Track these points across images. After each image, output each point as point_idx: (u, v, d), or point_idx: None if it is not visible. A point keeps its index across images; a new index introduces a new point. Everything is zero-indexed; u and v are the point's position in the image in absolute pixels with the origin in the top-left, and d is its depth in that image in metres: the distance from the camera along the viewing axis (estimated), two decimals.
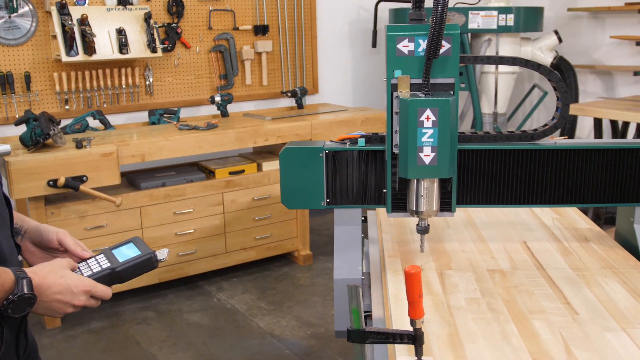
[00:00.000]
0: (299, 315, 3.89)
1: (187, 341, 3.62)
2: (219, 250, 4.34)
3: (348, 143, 1.98)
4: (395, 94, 1.76)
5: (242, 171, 4.35)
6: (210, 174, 4.31)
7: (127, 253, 1.47)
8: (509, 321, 1.58)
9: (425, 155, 1.70)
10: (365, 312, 1.89)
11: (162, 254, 1.48)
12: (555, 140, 2.00)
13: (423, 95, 1.70)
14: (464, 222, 2.33)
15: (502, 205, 2.01)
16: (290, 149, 1.98)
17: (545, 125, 1.97)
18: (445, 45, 1.73)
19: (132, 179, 4.15)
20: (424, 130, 1.68)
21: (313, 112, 4.86)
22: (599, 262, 1.96)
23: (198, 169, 4.45)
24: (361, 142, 1.96)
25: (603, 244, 2.10)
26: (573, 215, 2.40)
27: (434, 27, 1.64)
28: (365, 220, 2.53)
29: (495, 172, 1.97)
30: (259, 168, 4.43)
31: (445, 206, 1.89)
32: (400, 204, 1.91)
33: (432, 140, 1.68)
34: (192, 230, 4.19)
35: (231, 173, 4.31)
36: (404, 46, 1.74)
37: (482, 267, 1.93)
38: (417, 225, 1.87)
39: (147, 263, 1.46)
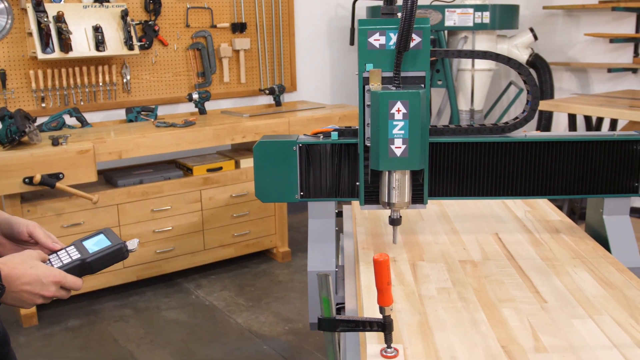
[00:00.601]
0: (277, 312, 3.91)
1: (165, 338, 3.62)
2: (197, 248, 4.34)
3: (321, 137, 2.00)
4: (367, 87, 1.78)
5: (220, 168, 4.35)
6: (187, 171, 4.31)
7: (98, 244, 1.47)
8: (479, 309, 1.61)
9: (396, 147, 1.71)
10: (339, 304, 1.92)
11: (132, 244, 1.48)
12: (526, 133, 2.03)
13: (394, 88, 1.73)
14: (437, 216, 2.36)
15: (474, 197, 2.04)
16: (263, 142, 2.00)
17: (516, 118, 2.00)
18: (416, 39, 1.75)
19: (110, 177, 4.14)
20: (394, 123, 1.69)
21: (291, 110, 4.87)
22: (569, 252, 1.99)
23: (176, 166, 4.45)
24: (334, 135, 1.98)
25: (573, 235, 2.14)
26: (545, 208, 2.43)
27: (404, 21, 1.66)
28: (340, 215, 2.55)
29: (467, 165, 2.00)
30: (237, 165, 4.43)
31: (418, 198, 1.92)
32: (373, 196, 1.93)
33: (403, 132, 1.70)
34: (170, 228, 4.19)
35: (209, 170, 4.31)
36: (375, 40, 1.76)
37: (454, 258, 1.95)
38: (390, 217, 1.89)
39: (118, 253, 1.46)
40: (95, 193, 3.82)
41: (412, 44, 1.74)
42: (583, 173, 2.01)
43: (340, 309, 1.90)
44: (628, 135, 2.01)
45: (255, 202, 4.48)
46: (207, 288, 4.26)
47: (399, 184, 1.79)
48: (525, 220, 2.28)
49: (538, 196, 2.04)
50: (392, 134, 1.70)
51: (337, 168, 2.00)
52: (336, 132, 1.98)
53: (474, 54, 1.94)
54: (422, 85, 1.79)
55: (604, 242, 2.07)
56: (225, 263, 4.59)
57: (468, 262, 1.92)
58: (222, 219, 4.38)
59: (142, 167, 4.39)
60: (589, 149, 2.00)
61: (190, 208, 4.24)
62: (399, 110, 1.68)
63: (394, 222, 1.89)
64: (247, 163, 4.42)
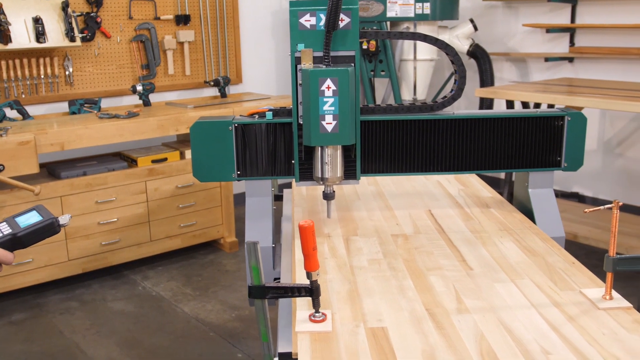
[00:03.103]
0: (224, 300, 3.93)
1: (111, 329, 3.62)
2: (144, 239, 4.33)
3: (257, 117, 2.04)
4: (298, 66, 1.84)
5: (165, 159, 4.35)
6: (132, 162, 4.30)
7: (29, 220, 1.49)
8: (407, 277, 1.67)
9: (327, 124, 1.78)
10: (275, 278, 1.97)
11: (64, 219, 1.50)
12: (454, 111, 2.10)
13: (324, 67, 1.78)
14: (373, 194, 2.42)
15: (407, 174, 2.11)
16: (200, 123, 2.04)
17: (445, 97, 2.07)
18: (345, 19, 1.82)
19: (53, 169, 4.11)
20: (325, 99, 1.76)
21: (236, 100, 4.90)
22: (497, 225, 2.07)
23: (120, 158, 4.43)
24: (269, 115, 2.03)
25: (502, 209, 2.22)
26: (477, 186, 2.51)
27: (331, 0, 1.73)
28: (280, 198, 2.61)
29: (399, 142, 2.07)
30: (182, 156, 4.44)
31: (350, 174, 1.98)
32: (307, 172, 1.99)
33: (333, 108, 1.76)
34: (115, 219, 4.18)
35: (154, 161, 4.31)
36: (306, 20, 1.82)
37: (387, 233, 2.02)
38: (324, 192, 1.96)
39: (49, 228, 1.48)
40: (38, 185, 3.79)
41: (341, 24, 1.81)
42: (509, 149, 2.10)
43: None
44: (551, 112, 2.10)
45: (202, 192, 4.49)
46: (154, 279, 4.26)
47: (331, 160, 1.86)
48: (458, 197, 2.36)
49: (467, 171, 2.12)
50: (323, 111, 1.77)
51: (273, 147, 2.05)
52: (271, 112, 2.03)
53: (402, 35, 2.02)
54: (352, 64, 1.84)
55: (530, 214, 2.16)
56: (172, 254, 4.59)
57: (400, 235, 1.99)
58: (168, 210, 4.39)
59: (86, 160, 4.37)
60: (514, 125, 2.09)
61: (135, 199, 4.23)
62: (328, 87, 1.75)
63: (328, 196, 1.95)
64: None
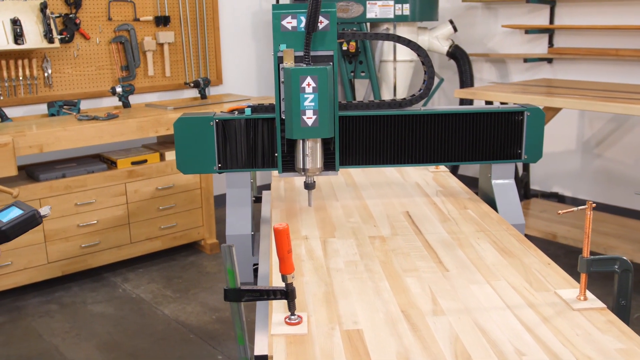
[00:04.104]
0: (204, 301, 3.93)
1: (91, 331, 3.60)
2: (124, 241, 4.31)
3: (236, 113, 2.17)
4: (281, 65, 1.96)
5: (145, 161, 4.34)
6: (112, 164, 4.28)
7: (11, 214, 1.52)
8: (383, 279, 1.68)
9: (307, 118, 1.91)
10: (254, 264, 2.17)
11: (44, 210, 1.55)
12: (422, 107, 2.22)
13: (305, 65, 1.91)
14: (352, 197, 2.42)
15: (379, 166, 2.25)
16: (183, 118, 2.15)
17: (413, 95, 2.19)
18: (324, 22, 1.94)
19: (32, 172, 4.08)
20: (305, 96, 1.89)
21: (216, 102, 4.89)
22: (474, 226, 2.08)
23: (100, 159, 4.41)
24: (248, 111, 2.16)
25: (479, 210, 2.23)
26: (456, 188, 2.52)
27: (311, 4, 1.85)
28: (259, 200, 2.67)
29: (372, 137, 2.21)
30: (162, 158, 4.42)
31: (330, 165, 2.10)
32: (289, 164, 2.11)
33: (313, 104, 1.89)
34: (95, 222, 4.16)
35: (133, 163, 4.29)
36: (287, 22, 1.95)
37: (365, 235, 2.02)
38: (305, 182, 2.07)
39: (31, 220, 1.52)
40: (16, 187, 3.76)
41: (320, 26, 1.93)
42: (473, 142, 2.24)
43: (255, 269, 2.19)
44: (511, 108, 2.25)
45: (182, 194, 4.48)
46: (134, 281, 4.24)
47: (311, 152, 1.99)
48: (435, 198, 2.37)
49: (434, 163, 2.26)
50: (304, 106, 1.90)
51: (252, 141, 2.16)
52: (249, 109, 2.15)
53: (377, 36, 2.10)
54: (331, 63, 1.96)
55: (492, 203, 2.30)
56: (152, 256, 4.58)
57: (377, 237, 1.99)
58: (148, 211, 4.37)
59: (65, 162, 4.34)
60: (477, 120, 2.23)
61: (115, 201, 4.22)
62: (309, 85, 1.88)
63: (309, 186, 2.08)
64: (172, 156, 4.41)
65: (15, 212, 1.53)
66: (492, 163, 2.28)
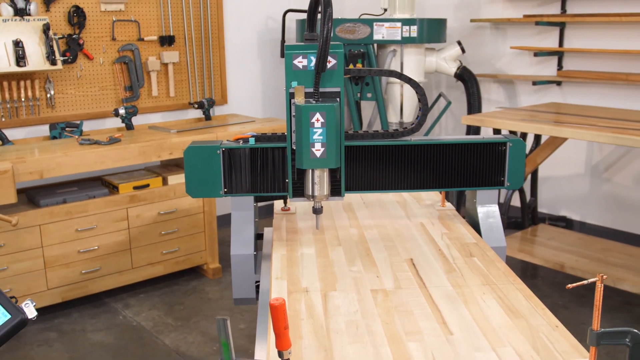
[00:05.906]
0: (205, 331, 3.86)
1: None
2: (125, 267, 4.26)
3: (241, 142, 2.37)
4: (292, 100, 2.12)
5: (147, 185, 4.28)
6: (113, 189, 4.23)
7: None
8: (385, 344, 1.61)
9: (316, 150, 2.08)
10: (256, 281, 2.43)
11: (30, 311, 1.46)
12: (412, 138, 2.38)
13: (314, 102, 2.08)
14: (354, 242, 2.37)
15: (377, 191, 2.43)
16: (193, 147, 2.37)
17: (405, 127, 2.37)
18: (332, 61, 2.11)
19: (32, 196, 4.04)
20: (314, 130, 2.06)
21: (220, 124, 4.84)
22: (480, 278, 2.01)
23: (101, 183, 4.36)
24: (252, 141, 2.36)
25: (485, 259, 2.17)
26: (461, 230, 2.46)
27: (321, 47, 2.00)
28: (261, 237, 2.68)
29: (368, 164, 2.39)
30: (165, 182, 4.37)
31: (336, 191, 2.28)
32: (299, 190, 2.28)
33: (321, 137, 2.06)
34: (96, 247, 4.11)
35: (135, 187, 4.24)
36: (299, 62, 2.12)
37: (367, 287, 1.96)
38: (313, 207, 2.25)
39: (20, 325, 1.44)
40: (16, 214, 3.72)
41: (328, 65, 2.10)
42: (460, 170, 2.42)
43: (257, 286, 2.42)
44: (495, 139, 2.43)
45: (184, 218, 4.43)
46: (135, 307, 4.19)
47: (319, 180, 2.17)
48: (442, 244, 2.31)
49: (425, 189, 2.44)
50: (313, 139, 2.07)
51: (255, 168, 2.37)
52: (253, 138, 2.36)
53: (381, 72, 2.35)
54: (337, 99, 2.14)
55: (477, 227, 2.49)
56: (154, 281, 4.52)
57: (380, 291, 1.93)
58: (150, 236, 4.32)
59: (66, 185, 4.29)
60: (464, 150, 2.41)
61: (116, 227, 4.17)
62: (318, 120, 2.05)
63: (317, 211, 2.25)
64: (175, 180, 4.36)
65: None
66: (477, 189, 2.48)
